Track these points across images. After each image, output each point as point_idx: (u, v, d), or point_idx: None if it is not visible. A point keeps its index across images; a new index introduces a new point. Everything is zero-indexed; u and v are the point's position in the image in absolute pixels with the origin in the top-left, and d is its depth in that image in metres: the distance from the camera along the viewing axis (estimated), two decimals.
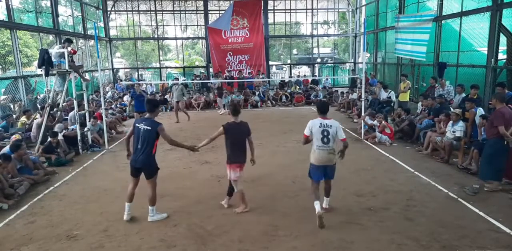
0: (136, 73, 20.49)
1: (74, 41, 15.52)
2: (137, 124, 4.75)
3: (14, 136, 7.89)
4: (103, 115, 9.52)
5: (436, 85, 10.35)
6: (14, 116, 10.28)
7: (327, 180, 4.82)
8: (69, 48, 8.21)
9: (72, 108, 9.54)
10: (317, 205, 4.55)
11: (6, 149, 6.96)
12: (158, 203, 5.30)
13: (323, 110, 4.75)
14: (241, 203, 4.99)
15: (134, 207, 4.97)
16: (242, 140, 4.89)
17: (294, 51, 25.32)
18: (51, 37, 15.01)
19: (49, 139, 7.81)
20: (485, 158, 5.68)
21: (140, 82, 16.64)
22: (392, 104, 11.55)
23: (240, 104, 15.17)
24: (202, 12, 19.87)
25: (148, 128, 4.64)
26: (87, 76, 14.61)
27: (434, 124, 8.07)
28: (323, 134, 4.56)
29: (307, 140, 4.71)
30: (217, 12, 19.99)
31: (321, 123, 4.61)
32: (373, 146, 8.48)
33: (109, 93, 15.63)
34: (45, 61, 7.73)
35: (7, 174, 6.13)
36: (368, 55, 17.94)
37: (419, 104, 10.02)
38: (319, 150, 4.59)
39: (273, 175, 6.52)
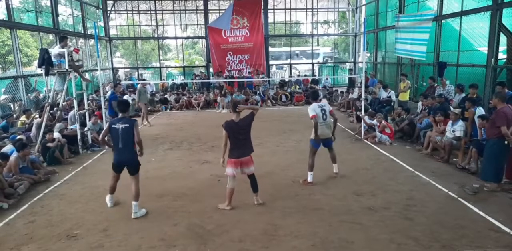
0: (136, 72, 20.48)
1: (74, 40, 15.55)
2: (113, 125, 4.86)
3: (18, 137, 7.92)
4: (103, 115, 9.52)
5: (436, 85, 10.35)
6: (15, 116, 10.29)
7: (330, 150, 6.18)
8: (71, 48, 8.21)
9: (72, 108, 9.54)
10: (310, 176, 5.94)
11: (8, 148, 6.97)
12: (158, 202, 5.37)
13: (315, 97, 6.23)
14: (226, 200, 5.07)
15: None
16: (240, 137, 4.92)
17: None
18: (51, 36, 15.01)
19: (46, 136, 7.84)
20: (486, 158, 5.66)
21: (140, 82, 16.65)
22: (392, 104, 11.55)
23: (241, 103, 15.15)
24: (202, 11, 19.85)
25: (126, 125, 4.82)
26: (87, 76, 14.60)
27: None
28: (322, 112, 5.93)
29: (316, 119, 5.80)
30: (217, 11, 19.97)
31: (318, 105, 5.98)
32: (373, 145, 8.48)
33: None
34: (45, 60, 7.73)
35: (8, 172, 6.14)
36: (368, 54, 17.93)
37: (420, 103, 10.02)
38: (321, 126, 5.87)
39: (273, 174, 6.52)
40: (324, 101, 6.56)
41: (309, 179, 5.96)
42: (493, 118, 5.41)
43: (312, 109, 5.90)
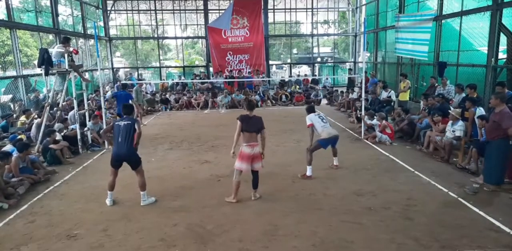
0: (136, 72, 20.47)
1: (74, 40, 15.54)
2: (116, 123, 5.29)
3: (19, 137, 7.90)
4: (103, 114, 9.51)
5: (437, 84, 10.35)
6: (14, 116, 10.29)
7: (333, 147, 6.60)
8: (71, 49, 8.20)
9: (72, 108, 9.54)
10: (309, 170, 6.21)
11: (7, 148, 6.96)
12: (158, 202, 5.38)
13: (312, 111, 6.63)
14: (232, 193, 5.26)
15: (133, 205, 5.19)
16: (252, 130, 5.22)
17: (294, 51, 25.27)
18: (51, 36, 15.00)
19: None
20: (492, 160, 5.52)
21: (140, 81, 16.67)
22: (392, 103, 11.56)
23: (241, 103, 15.17)
24: (202, 11, 19.84)
25: (128, 122, 5.21)
26: (87, 76, 14.60)
27: None
28: (320, 118, 6.48)
29: (312, 129, 6.34)
30: (217, 11, 19.97)
31: (315, 114, 6.53)
32: (373, 145, 8.47)
33: (109, 93, 15.62)
34: (45, 60, 7.72)
35: (8, 172, 6.14)
36: (368, 54, 17.92)
37: (421, 103, 10.00)
38: (325, 128, 6.37)
39: (273, 174, 6.52)
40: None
41: (308, 173, 6.22)
42: (499, 120, 5.29)
43: (309, 118, 6.43)
